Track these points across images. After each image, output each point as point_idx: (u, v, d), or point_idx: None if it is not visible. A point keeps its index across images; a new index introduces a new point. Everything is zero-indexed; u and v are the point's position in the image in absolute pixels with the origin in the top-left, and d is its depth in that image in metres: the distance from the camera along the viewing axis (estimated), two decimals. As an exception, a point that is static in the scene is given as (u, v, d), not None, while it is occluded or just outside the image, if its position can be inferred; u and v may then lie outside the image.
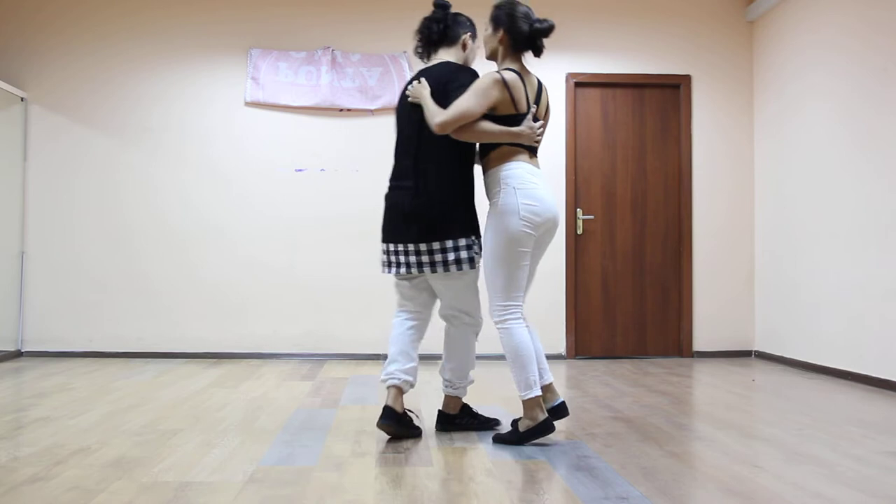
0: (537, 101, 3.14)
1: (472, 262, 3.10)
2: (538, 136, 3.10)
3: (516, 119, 3.06)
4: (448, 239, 3.07)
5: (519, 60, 3.16)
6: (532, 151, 3.13)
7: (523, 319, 3.08)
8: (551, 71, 5.90)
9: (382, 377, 3.17)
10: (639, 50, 5.98)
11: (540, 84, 3.21)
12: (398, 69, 5.82)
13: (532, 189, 3.03)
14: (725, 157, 6.02)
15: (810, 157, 5.22)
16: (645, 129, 6.00)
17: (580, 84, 5.95)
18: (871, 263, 4.57)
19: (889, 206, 4.42)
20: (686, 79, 6.01)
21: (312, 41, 5.83)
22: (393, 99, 5.77)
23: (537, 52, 3.17)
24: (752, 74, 6.04)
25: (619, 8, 6.00)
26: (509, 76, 3.05)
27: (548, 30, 3.13)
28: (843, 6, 4.91)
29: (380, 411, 3.16)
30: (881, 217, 4.49)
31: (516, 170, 3.05)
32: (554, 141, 5.85)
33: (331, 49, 5.79)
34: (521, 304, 3.09)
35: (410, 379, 3.16)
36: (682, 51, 6.01)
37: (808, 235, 5.25)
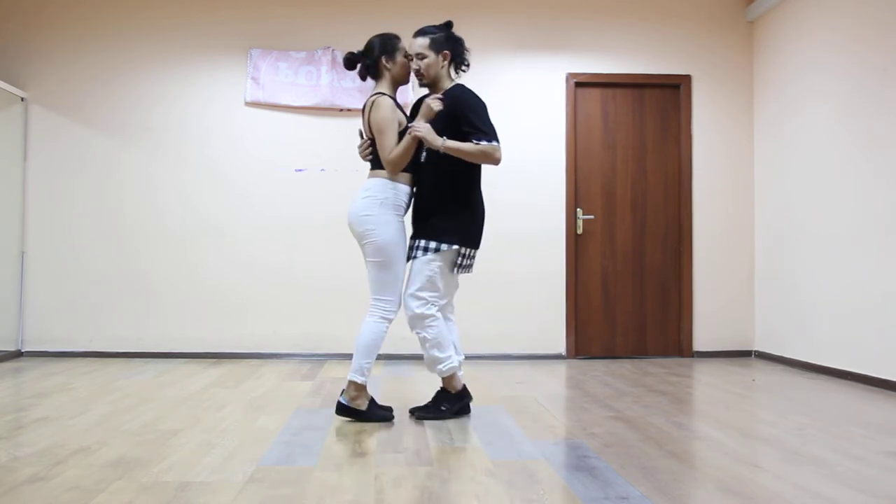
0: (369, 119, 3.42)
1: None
2: (361, 152, 3.53)
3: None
4: None
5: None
6: (371, 165, 3.50)
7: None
8: (551, 71, 5.91)
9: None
10: (639, 50, 5.98)
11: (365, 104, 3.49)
12: (398, 69, 5.81)
13: None
14: (725, 157, 6.01)
15: (810, 157, 5.22)
16: (645, 129, 6.00)
17: (580, 84, 5.94)
18: (871, 263, 4.57)
19: (889, 207, 4.42)
20: (686, 79, 6.01)
21: (312, 41, 5.83)
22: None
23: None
24: (752, 74, 6.04)
25: (618, 8, 6.00)
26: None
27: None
28: (843, 6, 4.91)
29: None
30: (881, 217, 4.49)
31: None
32: (554, 141, 5.86)
33: (331, 49, 5.78)
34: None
35: None
36: (682, 51, 6.00)
37: (808, 235, 5.25)
